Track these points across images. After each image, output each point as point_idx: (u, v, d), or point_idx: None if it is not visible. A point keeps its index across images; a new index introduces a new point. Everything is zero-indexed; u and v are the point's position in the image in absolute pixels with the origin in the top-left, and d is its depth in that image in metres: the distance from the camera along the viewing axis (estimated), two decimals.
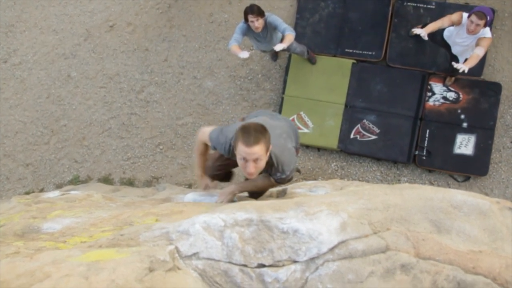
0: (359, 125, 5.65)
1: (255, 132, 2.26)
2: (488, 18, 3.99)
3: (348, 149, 5.68)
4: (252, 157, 2.27)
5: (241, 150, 2.27)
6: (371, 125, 5.60)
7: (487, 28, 4.10)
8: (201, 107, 6.22)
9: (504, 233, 1.08)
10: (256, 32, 4.57)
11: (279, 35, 4.82)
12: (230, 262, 1.08)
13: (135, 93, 6.35)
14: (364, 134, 5.63)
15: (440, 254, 1.03)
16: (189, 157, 6.11)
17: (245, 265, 1.07)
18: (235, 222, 1.12)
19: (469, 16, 4.06)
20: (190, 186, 5.94)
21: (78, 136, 6.37)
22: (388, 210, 1.10)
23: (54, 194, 3.59)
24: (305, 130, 5.77)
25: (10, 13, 6.89)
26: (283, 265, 1.04)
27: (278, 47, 4.35)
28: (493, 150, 5.43)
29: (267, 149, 2.36)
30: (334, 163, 5.84)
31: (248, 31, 4.63)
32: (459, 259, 1.02)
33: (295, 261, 1.04)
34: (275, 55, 6.00)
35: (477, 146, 5.38)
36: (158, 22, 6.48)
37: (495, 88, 5.44)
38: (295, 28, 5.91)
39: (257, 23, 4.40)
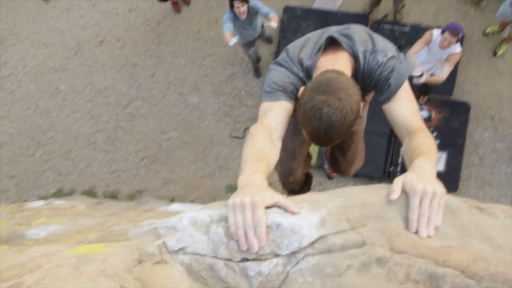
0: None
1: (331, 129, 1.46)
2: (460, 34, 4.10)
3: (319, 162, 5.73)
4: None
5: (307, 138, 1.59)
6: None
7: (458, 44, 4.22)
8: (186, 122, 6.23)
9: (472, 229, 1.11)
10: (241, 18, 4.66)
11: (259, 21, 4.97)
12: (215, 257, 1.09)
13: (122, 107, 6.34)
14: None
15: (412, 248, 1.06)
16: (172, 171, 6.09)
17: (229, 259, 1.08)
18: (221, 217, 1.13)
19: (442, 32, 4.16)
20: (173, 200, 5.91)
21: (64, 148, 6.31)
22: (364, 207, 1.13)
23: (39, 203, 3.55)
24: None
25: (2, 25, 6.84)
26: (266, 259, 1.06)
27: (273, 25, 4.50)
28: (462, 167, 5.54)
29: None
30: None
31: (234, 19, 4.69)
32: (430, 253, 1.05)
33: (277, 255, 1.06)
34: (255, 54, 5.96)
35: (448, 163, 5.49)
36: (146, 38, 6.52)
37: (464, 108, 5.58)
38: (278, 47, 6.02)
39: (242, 9, 4.50)
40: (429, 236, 1.09)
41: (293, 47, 1.80)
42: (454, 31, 4.07)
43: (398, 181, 1.19)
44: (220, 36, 6.31)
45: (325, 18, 6.01)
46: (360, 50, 1.68)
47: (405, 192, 1.17)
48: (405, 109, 1.64)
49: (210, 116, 6.22)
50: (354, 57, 1.70)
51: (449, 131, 5.55)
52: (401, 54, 1.75)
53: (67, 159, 6.27)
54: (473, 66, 5.79)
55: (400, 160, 5.58)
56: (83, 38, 6.66)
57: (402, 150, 1.60)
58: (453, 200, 1.20)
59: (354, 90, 1.48)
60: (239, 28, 4.89)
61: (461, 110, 5.58)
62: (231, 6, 4.52)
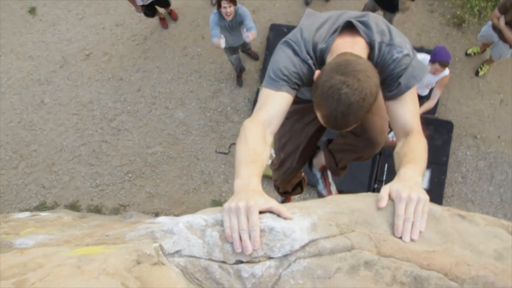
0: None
1: (349, 111, 1.41)
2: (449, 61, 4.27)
3: (311, 182, 5.78)
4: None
5: (322, 121, 1.51)
6: None
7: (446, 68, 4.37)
8: (171, 137, 6.26)
9: (454, 235, 1.19)
10: (227, 19, 4.78)
11: (243, 29, 5.07)
12: (210, 259, 1.14)
13: (107, 121, 6.35)
14: None
15: (399, 253, 1.13)
16: (157, 186, 6.10)
17: (224, 262, 1.13)
18: (216, 221, 1.19)
19: (432, 61, 4.27)
20: (157, 214, 5.91)
21: (47, 161, 6.28)
22: (353, 214, 1.20)
23: (23, 214, 3.53)
24: (270, 162, 5.87)
25: None
26: (259, 261, 1.11)
27: (248, 38, 4.83)
28: (446, 185, 5.67)
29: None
30: (297, 195, 5.95)
31: (220, 21, 4.82)
32: (415, 257, 1.12)
33: (270, 258, 1.11)
34: (241, 67, 6.12)
35: (431, 180, 5.61)
36: (133, 53, 6.58)
37: (447, 126, 5.73)
38: (264, 64, 6.13)
39: (229, 10, 4.63)
40: (413, 240, 1.16)
41: (309, 29, 1.68)
42: (445, 63, 4.22)
43: (385, 189, 1.27)
44: (207, 52, 6.42)
45: None
46: (377, 40, 1.63)
47: (391, 200, 1.24)
48: (408, 111, 1.67)
49: (196, 131, 6.27)
50: (370, 46, 1.65)
51: (432, 149, 5.61)
52: (416, 54, 1.71)
53: (51, 173, 6.24)
54: (456, 86, 5.97)
55: (384, 177, 5.68)
56: (69, 51, 6.69)
57: (394, 151, 1.66)
58: (437, 208, 1.28)
59: (373, 73, 1.44)
60: (224, 31, 5.01)
61: (444, 129, 5.73)
62: (218, 6, 4.65)
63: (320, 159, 2.81)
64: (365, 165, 5.69)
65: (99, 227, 2.65)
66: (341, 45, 1.61)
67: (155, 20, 6.55)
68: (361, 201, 1.27)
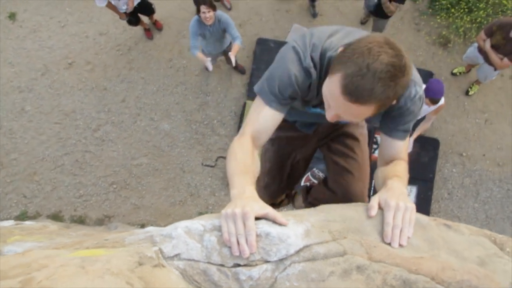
0: (309, 173, 5.89)
1: (382, 74, 1.22)
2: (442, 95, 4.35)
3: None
4: (351, 117, 1.40)
5: (338, 100, 1.32)
6: (320, 174, 5.85)
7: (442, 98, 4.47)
8: (157, 148, 6.30)
9: (440, 243, 1.28)
10: (207, 25, 4.83)
11: (227, 40, 5.21)
12: (208, 262, 1.20)
13: (91, 131, 6.36)
14: (313, 182, 5.87)
15: (388, 258, 1.21)
16: (142, 198, 6.12)
17: (222, 265, 1.20)
18: (213, 227, 1.25)
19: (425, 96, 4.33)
20: (143, 226, 5.93)
21: (28, 170, 6.25)
22: (345, 222, 1.28)
23: (8, 223, 3.54)
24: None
25: None
26: (256, 265, 1.18)
27: (232, 58, 4.97)
28: (432, 201, 5.81)
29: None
30: (285, 208, 6.02)
31: (199, 27, 4.88)
32: (404, 263, 1.20)
33: (266, 261, 1.18)
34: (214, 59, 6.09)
35: (418, 196, 5.74)
36: (117, 63, 6.62)
37: (434, 144, 5.90)
38: (251, 78, 6.23)
39: (208, 15, 4.67)
40: (401, 246, 1.26)
41: (319, 34, 1.57)
42: (435, 100, 4.33)
43: (375, 199, 1.38)
44: (192, 65, 6.51)
45: None
46: None
47: (380, 209, 1.33)
48: (399, 147, 1.68)
49: (182, 143, 6.32)
50: None
51: (419, 166, 5.83)
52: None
53: (32, 182, 6.21)
54: None
55: (371, 192, 5.78)
56: (51, 59, 6.69)
57: (377, 169, 1.74)
58: (424, 217, 1.38)
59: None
60: (204, 38, 5.10)
61: (431, 146, 5.89)
62: (198, 11, 4.72)
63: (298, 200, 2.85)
64: None
65: (86, 236, 2.69)
66: None
67: (139, 31, 6.62)
68: (352, 210, 1.35)
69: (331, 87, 1.31)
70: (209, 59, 5.09)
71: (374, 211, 1.33)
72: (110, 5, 5.51)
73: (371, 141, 5.89)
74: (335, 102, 1.34)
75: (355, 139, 2.26)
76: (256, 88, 1.64)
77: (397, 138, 1.68)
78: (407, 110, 1.59)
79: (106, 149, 6.31)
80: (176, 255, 1.23)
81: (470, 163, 6.00)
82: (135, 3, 5.72)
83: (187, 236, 1.25)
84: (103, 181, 6.20)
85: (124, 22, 6.17)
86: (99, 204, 6.12)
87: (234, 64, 5.16)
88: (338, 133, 2.28)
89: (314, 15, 6.59)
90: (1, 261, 1.15)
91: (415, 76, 1.55)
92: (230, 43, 5.41)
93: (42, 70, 6.64)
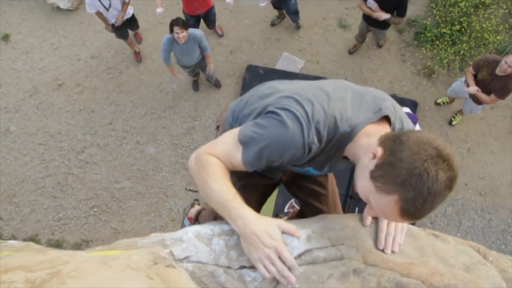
0: (293, 200, 5.98)
1: (442, 192, 1.20)
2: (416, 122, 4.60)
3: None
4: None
5: (393, 217, 1.26)
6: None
7: (417, 125, 4.70)
8: (141, 172, 6.36)
9: (429, 251, 1.41)
10: (180, 43, 5.16)
11: (198, 51, 5.51)
12: (216, 265, 1.30)
13: (75, 153, 6.42)
14: (297, 208, 5.97)
15: (382, 263, 1.34)
16: (123, 222, 6.14)
17: (229, 267, 1.30)
18: (222, 231, 1.36)
19: None
20: None
21: (8, 192, 6.25)
22: (343, 229, 1.40)
23: None
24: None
25: None
26: None
27: (209, 71, 5.80)
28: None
29: None
30: None
31: (172, 44, 5.25)
32: (397, 267, 1.33)
33: None
34: (195, 73, 6.44)
35: None
36: (107, 86, 6.75)
37: None
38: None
39: (181, 35, 5.01)
40: (393, 252, 1.40)
41: (324, 98, 1.41)
42: None
43: (369, 209, 1.49)
44: (182, 89, 6.66)
45: (287, 78, 6.45)
46: (397, 127, 1.51)
47: (374, 218, 1.47)
48: None
49: (167, 167, 6.39)
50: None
51: None
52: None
53: (11, 204, 6.20)
54: None
55: None
56: (41, 81, 6.81)
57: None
58: (414, 228, 1.52)
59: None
60: (177, 53, 5.47)
61: None
62: (171, 31, 5.04)
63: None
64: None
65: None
66: (372, 132, 1.39)
67: (131, 55, 6.78)
68: (349, 219, 1.49)
69: (387, 207, 1.24)
70: (181, 75, 5.75)
71: (368, 220, 1.47)
72: (99, 14, 5.74)
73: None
74: (388, 216, 1.30)
75: (324, 174, 2.15)
76: (241, 136, 1.44)
77: None
78: None
79: (90, 171, 6.35)
80: (185, 258, 1.34)
81: (452, 192, 6.16)
82: (125, 18, 5.98)
83: (196, 239, 1.37)
84: (83, 204, 6.22)
85: (117, 46, 6.36)
86: (78, 228, 6.11)
87: (212, 71, 5.86)
88: None
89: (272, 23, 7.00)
90: (22, 258, 1.25)
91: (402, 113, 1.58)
92: (203, 58, 5.74)
93: (31, 91, 6.74)
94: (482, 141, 6.31)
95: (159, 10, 5.55)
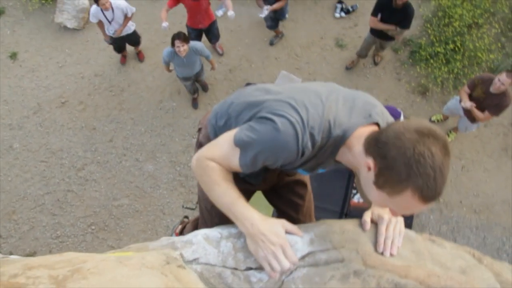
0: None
1: (444, 162, 1.22)
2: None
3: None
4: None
5: (415, 208, 1.28)
6: None
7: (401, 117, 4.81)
8: (139, 189, 6.39)
9: (426, 255, 1.48)
10: (181, 56, 5.35)
11: (198, 62, 5.75)
12: (224, 266, 1.36)
13: (75, 170, 6.46)
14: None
15: (381, 265, 1.40)
16: (119, 240, 6.13)
17: (236, 268, 1.36)
18: (229, 234, 1.43)
19: None
20: None
21: (8, 209, 6.27)
22: (343, 233, 1.47)
23: None
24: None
25: None
26: None
27: (214, 65, 6.10)
28: None
29: None
30: None
31: (173, 57, 5.44)
32: (395, 269, 1.39)
33: None
34: (194, 89, 6.62)
35: None
36: (109, 103, 6.85)
37: None
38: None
39: (182, 48, 5.19)
40: (392, 255, 1.46)
41: (312, 105, 1.44)
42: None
43: (368, 214, 1.58)
44: (181, 107, 6.76)
45: None
46: None
47: (374, 223, 1.55)
48: None
49: (165, 185, 6.43)
50: None
51: None
52: None
53: (10, 221, 6.21)
54: None
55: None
56: (45, 98, 6.91)
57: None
58: (412, 233, 1.60)
59: None
60: (177, 66, 5.66)
61: None
62: (172, 44, 5.21)
63: None
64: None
65: None
66: (362, 136, 1.41)
67: (134, 73, 6.91)
68: (349, 223, 1.56)
69: (408, 203, 1.26)
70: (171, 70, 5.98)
71: (368, 225, 1.55)
72: (100, 24, 6.02)
73: (351, 185, 6.09)
74: (413, 210, 1.30)
75: (304, 185, 2.22)
76: (237, 140, 1.47)
77: None
78: None
79: (89, 188, 6.39)
80: (195, 259, 1.41)
81: (447, 210, 6.24)
82: (124, 33, 6.24)
83: (206, 242, 1.44)
84: (82, 221, 6.23)
85: (119, 64, 6.51)
86: (75, 246, 6.11)
87: (215, 68, 6.25)
88: (288, 180, 2.18)
89: (271, 43, 7.20)
90: (41, 259, 1.31)
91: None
92: (202, 67, 6.02)
93: (35, 109, 6.83)
94: (476, 159, 6.40)
95: (165, 24, 5.66)
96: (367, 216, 1.57)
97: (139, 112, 6.78)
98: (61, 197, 6.34)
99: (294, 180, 2.18)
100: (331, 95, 1.49)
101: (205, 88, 6.84)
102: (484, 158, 6.40)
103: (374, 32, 5.90)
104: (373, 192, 1.31)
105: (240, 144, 1.45)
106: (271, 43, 7.14)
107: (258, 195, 2.18)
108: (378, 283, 1.37)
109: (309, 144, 1.41)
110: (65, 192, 6.37)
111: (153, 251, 1.36)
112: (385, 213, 1.54)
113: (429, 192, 1.21)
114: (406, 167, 1.20)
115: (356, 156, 1.39)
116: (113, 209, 6.28)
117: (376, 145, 1.28)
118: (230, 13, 5.71)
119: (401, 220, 1.55)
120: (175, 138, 6.65)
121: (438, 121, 6.49)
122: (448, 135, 6.39)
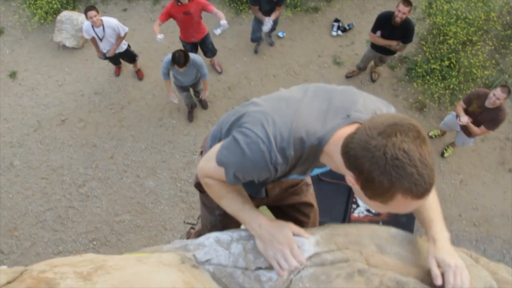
0: None
1: (422, 153, 1.15)
2: None
3: None
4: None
5: (409, 207, 1.22)
6: None
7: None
8: (140, 205, 6.45)
9: (426, 255, 1.58)
10: (180, 71, 5.48)
11: (194, 73, 5.77)
12: (235, 267, 1.45)
13: (76, 186, 6.53)
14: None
15: (383, 265, 1.47)
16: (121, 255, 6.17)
17: (246, 268, 1.44)
18: (240, 237, 1.51)
19: None
20: None
21: (9, 226, 6.32)
22: (347, 236, 1.56)
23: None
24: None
25: None
26: None
27: (204, 96, 6.20)
28: None
29: None
30: None
31: (171, 68, 5.54)
32: (397, 269, 1.47)
33: None
34: (192, 104, 6.73)
35: None
36: (109, 121, 6.94)
37: None
38: None
39: (181, 70, 5.33)
40: None
41: (286, 117, 1.42)
42: None
43: (433, 263, 1.48)
44: (181, 124, 6.86)
45: None
46: None
47: (440, 268, 1.48)
48: None
49: (166, 201, 6.50)
50: None
51: (397, 226, 6.01)
52: None
53: (11, 237, 6.25)
54: None
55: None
56: (45, 116, 7.01)
57: None
58: (411, 235, 1.68)
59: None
60: (175, 74, 5.76)
61: None
62: (173, 64, 5.32)
63: None
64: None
65: None
66: (342, 137, 1.32)
67: (133, 91, 7.02)
68: (352, 227, 1.65)
69: (403, 205, 1.21)
70: (175, 99, 6.12)
71: (439, 278, 1.45)
72: (93, 40, 6.14)
73: (351, 200, 6.17)
74: (411, 208, 1.24)
75: (311, 205, 2.27)
76: (217, 160, 1.51)
77: None
78: None
79: (90, 205, 6.45)
80: (207, 260, 1.49)
81: (447, 223, 6.18)
82: (116, 52, 6.36)
83: (217, 244, 1.52)
84: (83, 237, 6.27)
85: (119, 82, 6.65)
86: None
87: (204, 97, 6.27)
88: (294, 201, 2.23)
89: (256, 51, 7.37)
90: (63, 259, 1.40)
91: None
92: (199, 80, 6.06)
93: (35, 126, 6.92)
94: (474, 173, 6.49)
95: (160, 36, 5.78)
96: (434, 266, 1.46)
97: (140, 129, 6.87)
98: (62, 213, 6.39)
99: (300, 202, 2.23)
100: (305, 99, 1.48)
101: (204, 105, 6.95)
102: (482, 172, 6.49)
103: (374, 46, 6.03)
104: (369, 203, 1.28)
105: (220, 164, 1.50)
106: (256, 52, 7.36)
107: (263, 209, 2.29)
108: (381, 281, 1.45)
109: (279, 160, 1.39)
110: (67, 208, 6.43)
111: (168, 252, 1.44)
112: (450, 259, 1.47)
113: (419, 188, 1.14)
114: (386, 176, 1.14)
115: (339, 167, 1.34)
116: (115, 225, 6.33)
117: (348, 159, 1.23)
118: (223, 22, 5.77)
119: (464, 266, 1.49)
120: (175, 155, 6.74)
121: (435, 136, 6.61)
122: (446, 150, 6.49)
